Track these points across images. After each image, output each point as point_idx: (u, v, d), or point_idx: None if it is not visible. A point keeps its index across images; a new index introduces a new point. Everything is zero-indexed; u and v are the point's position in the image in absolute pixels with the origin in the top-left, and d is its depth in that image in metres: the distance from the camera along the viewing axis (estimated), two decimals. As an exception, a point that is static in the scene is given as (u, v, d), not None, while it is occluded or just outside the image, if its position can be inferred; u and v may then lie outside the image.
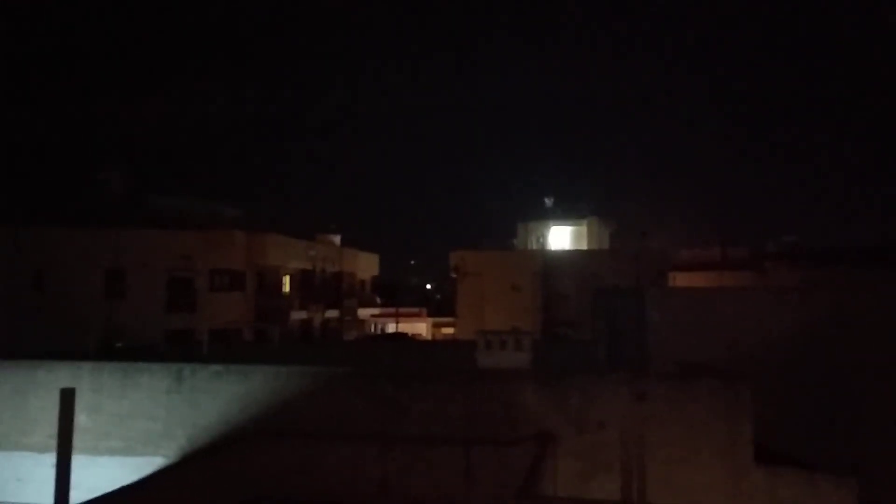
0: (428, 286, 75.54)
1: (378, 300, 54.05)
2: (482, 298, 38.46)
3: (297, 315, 40.07)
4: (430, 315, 56.50)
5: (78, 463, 12.18)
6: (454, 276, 40.55)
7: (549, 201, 47.61)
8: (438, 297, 68.75)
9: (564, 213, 46.74)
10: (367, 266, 52.19)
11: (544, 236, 46.05)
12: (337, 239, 49.61)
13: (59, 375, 13.66)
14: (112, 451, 13.45)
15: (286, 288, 40.35)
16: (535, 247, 45.20)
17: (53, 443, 12.19)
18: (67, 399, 11.73)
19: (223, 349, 21.65)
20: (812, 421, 15.69)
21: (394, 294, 54.24)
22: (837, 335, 16.44)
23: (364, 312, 49.59)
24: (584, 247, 44.63)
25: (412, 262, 76.92)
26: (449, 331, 48.35)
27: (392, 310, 51.09)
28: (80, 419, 13.04)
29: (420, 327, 54.15)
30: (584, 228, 45.93)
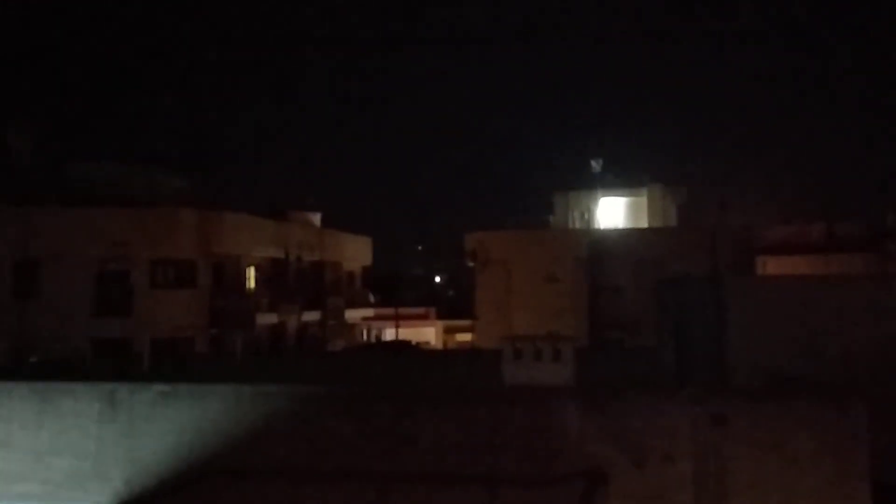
0: (437, 279, 75.68)
1: (372, 298, 54.11)
2: (508, 294, 38.50)
3: (266, 318, 40.22)
4: (440, 317, 56.61)
5: (-17, 513, 12.33)
6: (471, 264, 40.56)
7: (596, 164, 47.40)
8: (451, 293, 68.84)
9: (617, 180, 46.58)
10: (356, 253, 52.26)
11: (590, 211, 45.95)
12: (317, 218, 49.67)
13: (-45, 400, 13.81)
14: (27, 498, 13.57)
15: (251, 283, 40.47)
16: (578, 225, 45.12)
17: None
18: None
19: (170, 364, 21.78)
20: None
21: (393, 290, 54.29)
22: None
23: (354, 314, 49.73)
24: (644, 224, 44.48)
25: (419, 248, 77.03)
26: (465, 337, 48.45)
27: (391, 310, 51.19)
28: (-14, 456, 13.18)
29: (427, 333, 54.30)
30: (642, 199, 45.75)
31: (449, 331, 54.70)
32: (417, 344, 43.75)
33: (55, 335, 31.36)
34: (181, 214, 36.63)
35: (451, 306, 57.53)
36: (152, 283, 35.57)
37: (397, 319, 50.06)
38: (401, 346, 40.85)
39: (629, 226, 44.59)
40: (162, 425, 13.58)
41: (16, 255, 33.82)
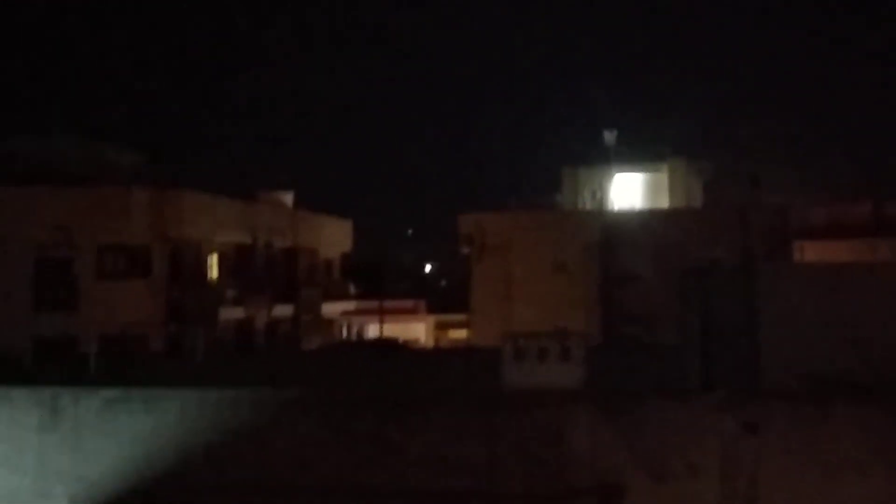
0: (428, 267, 75.78)
1: (352, 290, 54.15)
2: (509, 285, 38.54)
3: (231, 313, 40.26)
4: (431, 311, 56.70)
5: None
6: (467, 251, 40.55)
7: (610, 136, 47.33)
8: (444, 283, 68.94)
9: (634, 154, 46.59)
10: (334, 238, 52.30)
11: (603, 189, 45.96)
12: (289, 198, 49.67)
13: None
14: (-43, 520, 13.56)
15: (213, 273, 40.47)
16: (589, 206, 45.15)
17: None
18: None
19: (121, 366, 21.76)
20: None
21: (376, 280, 54.32)
22: None
23: (332, 308, 49.79)
24: (665, 204, 44.54)
25: (409, 232, 77.08)
26: (460, 334, 48.52)
27: (374, 304, 51.25)
28: None
29: (417, 329, 54.40)
30: (663, 176, 45.78)
31: (441, 326, 54.80)
32: (405, 342, 43.84)
33: (-12, 332, 31.32)
34: (133, 194, 36.62)
35: (444, 299, 57.57)
36: (100, 273, 35.57)
37: (382, 314, 50.10)
38: (386, 344, 40.89)
39: (648, 206, 44.62)
40: (111, 435, 13.59)
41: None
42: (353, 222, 54.70)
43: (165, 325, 35.99)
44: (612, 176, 46.08)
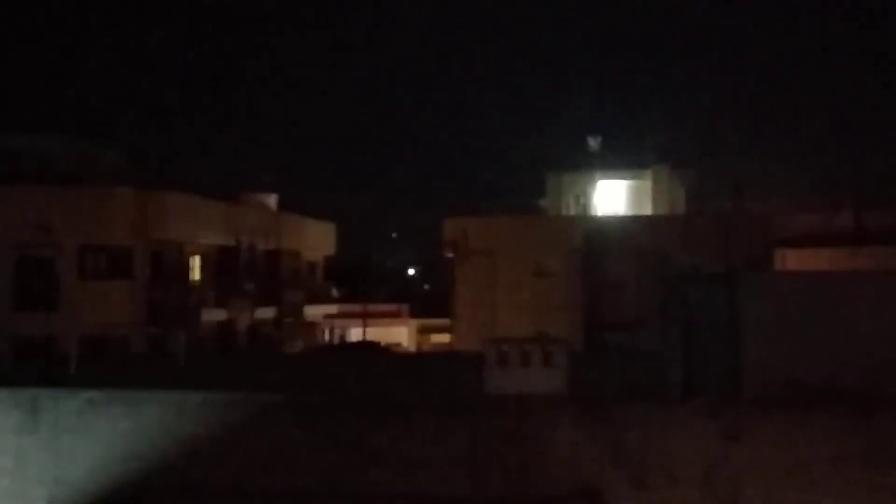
0: (411, 271, 75.74)
1: (335, 293, 54.03)
2: (492, 289, 38.56)
3: (213, 315, 40.10)
4: (413, 315, 56.68)
5: None
6: (450, 255, 40.58)
7: (594, 142, 47.49)
8: (427, 287, 68.93)
9: (618, 160, 46.72)
10: (318, 241, 52.18)
11: (587, 195, 46.06)
12: (272, 200, 49.54)
13: None
14: (-65, 520, 13.48)
15: (195, 274, 40.31)
16: (572, 211, 45.24)
17: None
18: None
19: (101, 367, 21.66)
20: None
21: (359, 283, 54.27)
22: None
23: (315, 311, 49.65)
24: (648, 211, 44.67)
25: (393, 236, 76.94)
26: (442, 338, 48.52)
27: (357, 307, 51.18)
28: None
29: (399, 333, 54.35)
30: (647, 183, 45.91)
31: (423, 331, 54.77)
32: (387, 345, 43.83)
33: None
34: (115, 194, 36.44)
35: (427, 303, 57.58)
36: (81, 273, 35.37)
37: (365, 317, 50.06)
38: (368, 347, 40.90)
39: (631, 213, 44.71)
40: (91, 437, 13.53)
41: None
42: (337, 225, 54.59)
43: (146, 327, 35.84)
44: (595, 182, 46.17)
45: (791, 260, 38.24)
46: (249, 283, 42.93)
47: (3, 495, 13.64)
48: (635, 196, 46.19)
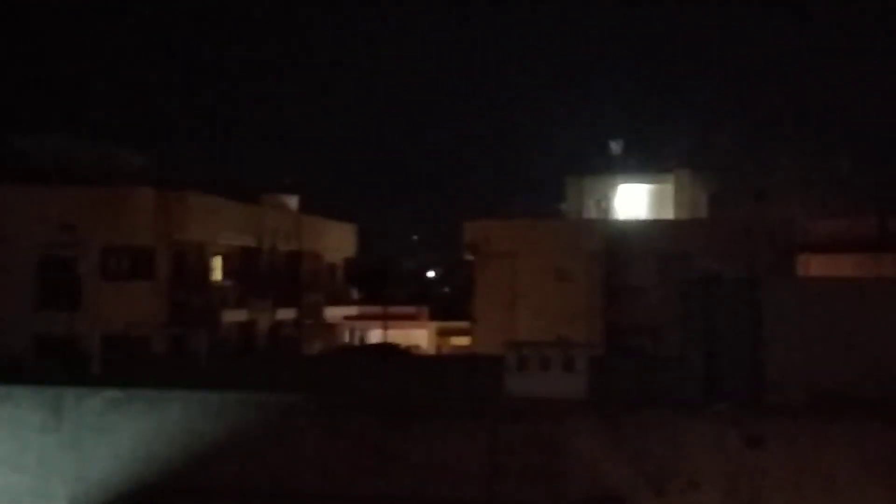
0: (430, 274, 75.72)
1: (355, 294, 54.07)
2: (513, 293, 38.50)
3: (234, 316, 40.23)
4: (433, 317, 56.66)
5: None
6: (471, 258, 40.56)
7: (616, 146, 47.41)
8: (446, 290, 68.87)
9: (639, 164, 46.59)
10: (338, 243, 52.26)
11: (608, 199, 45.95)
12: (294, 202, 49.67)
13: None
14: (-42, 517, 13.59)
15: (217, 275, 40.46)
16: (594, 215, 45.15)
17: None
18: None
19: (123, 366, 21.76)
20: None
21: (379, 285, 54.32)
22: None
23: (334, 313, 49.72)
24: (670, 215, 44.53)
25: (414, 238, 76.99)
26: (462, 341, 48.46)
27: (377, 309, 51.22)
28: None
29: (418, 336, 54.36)
30: (668, 187, 45.77)
31: (443, 333, 54.74)
32: (407, 348, 43.83)
33: (-9, 331, 31.39)
34: (138, 195, 36.60)
35: (446, 306, 57.52)
36: (104, 273, 35.54)
37: (385, 319, 50.11)
38: (388, 349, 40.89)
39: (652, 217, 44.59)
40: (113, 436, 13.60)
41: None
42: (358, 227, 54.68)
43: (167, 327, 35.95)
44: (617, 186, 46.08)
45: (814, 265, 38.01)
46: (271, 286, 43.03)
47: (25, 492, 13.74)
48: (657, 200, 46.05)
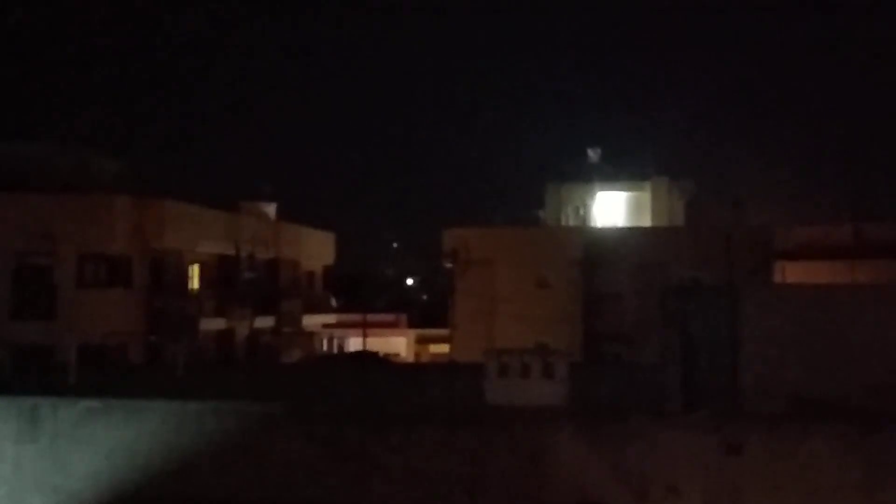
0: (409, 281, 75.74)
1: (334, 302, 53.97)
2: (492, 300, 38.60)
3: (212, 324, 40.03)
4: (412, 325, 56.71)
5: None
6: (450, 265, 40.60)
7: (593, 154, 47.68)
8: (425, 297, 68.92)
9: (617, 172, 46.84)
10: (316, 251, 52.14)
11: (586, 206, 46.18)
12: (272, 209, 49.53)
13: None
14: (-68, 530, 13.42)
15: (194, 283, 40.26)
16: (572, 222, 45.34)
17: None
18: None
19: (100, 376, 21.62)
20: None
21: (358, 293, 54.24)
22: None
23: (313, 321, 49.59)
24: (647, 222, 44.78)
25: (394, 245, 76.94)
26: (441, 349, 48.50)
27: (356, 317, 51.14)
28: None
29: (397, 343, 54.36)
30: (646, 195, 46.06)
31: (422, 341, 54.77)
32: (386, 356, 43.78)
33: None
34: (115, 202, 36.37)
35: (426, 313, 57.60)
36: (80, 282, 35.27)
37: (364, 327, 50.03)
38: (367, 357, 40.81)
39: (630, 224, 44.83)
40: (90, 446, 13.49)
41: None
42: (336, 235, 54.63)
43: (145, 336, 35.77)
44: (595, 193, 46.30)
45: (790, 272, 38.29)
46: (249, 294, 42.89)
47: (1, 503, 13.58)
48: (634, 208, 46.32)
